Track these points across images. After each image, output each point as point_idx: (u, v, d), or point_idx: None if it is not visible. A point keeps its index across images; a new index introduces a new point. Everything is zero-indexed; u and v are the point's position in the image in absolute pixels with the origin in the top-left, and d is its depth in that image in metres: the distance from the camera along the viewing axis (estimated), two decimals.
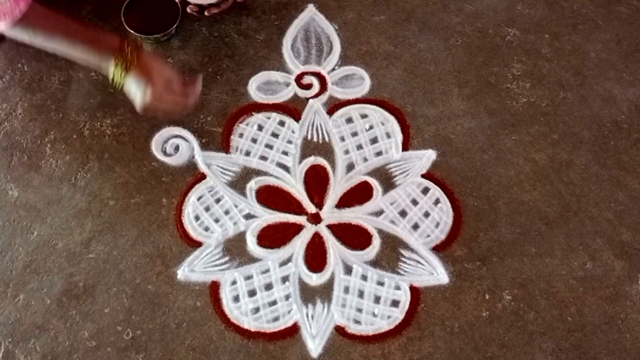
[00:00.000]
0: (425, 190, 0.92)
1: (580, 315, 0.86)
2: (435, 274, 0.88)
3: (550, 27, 1.05)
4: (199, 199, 0.90)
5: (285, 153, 0.94)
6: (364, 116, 0.97)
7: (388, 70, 1.00)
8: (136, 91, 0.80)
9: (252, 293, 0.86)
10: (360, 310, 0.86)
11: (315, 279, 0.87)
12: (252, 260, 0.88)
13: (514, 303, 0.86)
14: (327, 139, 0.95)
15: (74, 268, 0.86)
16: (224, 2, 0.93)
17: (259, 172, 0.93)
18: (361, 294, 0.86)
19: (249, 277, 0.87)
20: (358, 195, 0.92)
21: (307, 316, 0.85)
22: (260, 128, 0.95)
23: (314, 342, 0.83)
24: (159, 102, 0.81)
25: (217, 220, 0.89)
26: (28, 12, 0.75)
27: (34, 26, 0.77)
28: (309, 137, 0.95)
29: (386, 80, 0.99)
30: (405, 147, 0.95)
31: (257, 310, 0.85)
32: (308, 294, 0.86)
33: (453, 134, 0.96)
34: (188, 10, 0.93)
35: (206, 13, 0.93)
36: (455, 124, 0.97)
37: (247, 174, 0.92)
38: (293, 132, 0.95)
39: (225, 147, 0.94)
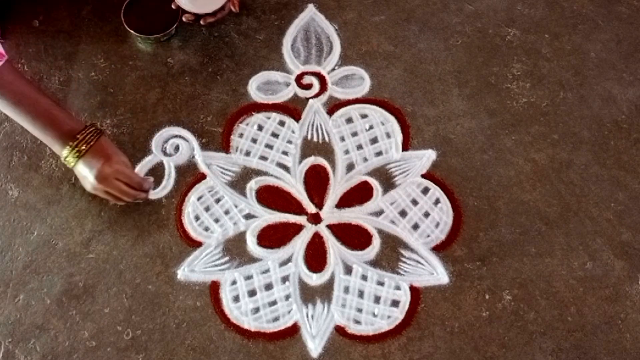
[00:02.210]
0: (425, 190, 0.92)
1: (580, 315, 0.86)
2: (435, 274, 0.88)
3: (550, 27, 1.05)
4: (199, 199, 0.90)
5: (285, 153, 0.94)
6: (364, 116, 0.97)
7: (388, 70, 1.00)
8: (88, 170, 0.81)
9: (252, 293, 0.86)
10: (360, 310, 0.86)
11: (315, 279, 0.87)
12: (252, 260, 0.88)
13: (514, 303, 0.86)
14: (327, 139, 0.95)
15: (74, 268, 0.86)
16: (220, 11, 0.92)
17: (259, 172, 0.93)
18: (361, 294, 0.86)
19: (249, 277, 0.87)
20: (358, 195, 0.92)
21: (307, 316, 0.85)
22: (260, 128, 0.95)
23: (314, 342, 0.83)
24: (113, 181, 0.81)
25: (217, 220, 0.89)
26: (1, 72, 0.75)
27: (2, 88, 0.77)
28: (309, 137, 0.95)
29: (386, 80, 0.99)
30: (405, 147, 0.95)
31: (257, 310, 0.85)
32: (308, 294, 0.86)
33: (453, 134, 0.96)
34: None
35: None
36: (455, 124, 0.97)
37: (247, 174, 0.92)
38: (293, 132, 0.95)
39: (225, 147, 0.94)
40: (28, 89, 0.80)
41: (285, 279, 0.87)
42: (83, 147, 0.80)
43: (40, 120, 0.79)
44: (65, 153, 0.80)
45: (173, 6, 0.92)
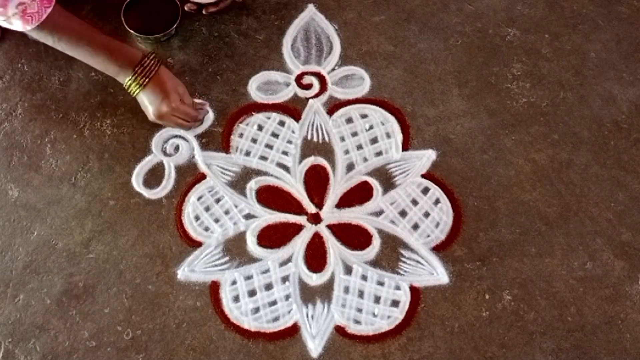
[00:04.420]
0: (425, 190, 0.92)
1: (580, 315, 0.86)
2: (435, 274, 0.88)
3: (550, 27, 1.05)
4: (199, 199, 0.90)
5: (285, 153, 0.94)
6: (364, 116, 0.97)
7: (388, 70, 1.00)
8: (148, 105, 0.86)
9: (252, 293, 0.86)
10: (360, 310, 0.86)
11: (315, 279, 0.87)
12: (252, 260, 0.88)
13: (514, 303, 0.86)
14: (327, 139, 0.95)
15: (74, 268, 0.86)
16: (223, 1, 0.93)
17: (259, 172, 0.93)
18: (361, 294, 0.86)
19: (249, 277, 0.87)
20: (358, 195, 0.92)
21: (307, 316, 0.85)
22: (260, 128, 0.95)
23: (314, 342, 0.83)
24: (170, 117, 0.88)
25: (217, 220, 0.89)
26: (54, 16, 0.77)
27: (59, 32, 0.79)
28: (309, 137, 0.95)
29: (386, 80, 0.99)
30: (405, 147, 0.95)
31: (257, 310, 0.85)
32: (308, 294, 0.86)
33: (453, 134, 0.96)
34: (186, 8, 0.93)
35: (204, 12, 0.93)
36: (455, 124, 0.97)
37: (247, 174, 0.92)
38: (293, 132, 0.95)
39: (225, 147, 0.94)
40: (83, 27, 0.82)
41: (285, 279, 0.87)
42: (143, 80, 0.84)
43: (101, 55, 0.82)
44: (127, 83, 0.84)
45: None
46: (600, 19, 1.06)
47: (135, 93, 0.85)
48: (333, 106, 0.97)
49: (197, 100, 0.94)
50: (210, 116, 0.95)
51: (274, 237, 0.89)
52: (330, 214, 0.91)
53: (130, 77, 0.83)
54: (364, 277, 0.87)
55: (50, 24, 0.77)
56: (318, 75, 0.99)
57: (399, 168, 0.94)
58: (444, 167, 0.94)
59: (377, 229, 0.90)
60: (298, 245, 0.89)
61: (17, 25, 0.75)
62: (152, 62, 0.84)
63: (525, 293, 0.87)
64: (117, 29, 0.98)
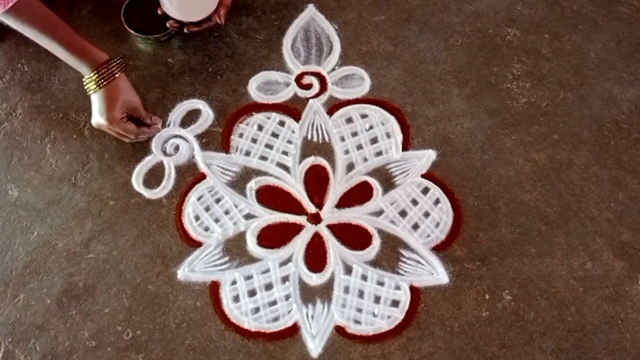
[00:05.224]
0: (425, 190, 0.92)
1: (580, 315, 0.86)
2: (435, 274, 0.88)
3: (550, 27, 1.05)
4: (199, 199, 0.90)
5: (285, 153, 0.94)
6: (364, 116, 0.97)
7: (388, 70, 1.00)
8: (94, 109, 0.86)
9: (252, 293, 0.86)
10: (360, 310, 0.86)
11: (315, 279, 0.87)
12: (252, 260, 0.88)
13: (514, 303, 0.86)
14: (327, 139, 0.95)
15: (74, 268, 0.86)
16: (206, 22, 0.92)
17: (259, 172, 0.93)
18: (361, 294, 0.86)
19: (249, 277, 0.87)
20: (358, 195, 0.92)
21: (307, 316, 0.85)
22: (260, 128, 0.95)
23: (314, 342, 0.83)
24: (107, 129, 0.88)
25: (217, 220, 0.89)
26: (23, 4, 0.78)
27: (26, 19, 0.80)
28: (309, 137, 0.95)
29: (386, 80, 0.99)
30: (405, 147, 0.95)
31: (257, 310, 0.85)
32: (308, 294, 0.86)
33: (453, 134, 0.96)
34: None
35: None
36: (455, 124, 0.97)
37: (247, 174, 0.92)
38: (293, 132, 0.95)
39: (225, 147, 0.94)
40: (51, 18, 0.82)
41: (285, 279, 0.87)
42: (101, 82, 0.85)
43: (63, 48, 0.83)
44: (87, 81, 0.86)
45: (159, 12, 0.92)
46: (600, 19, 1.06)
47: (90, 92, 0.86)
48: (333, 106, 0.97)
49: (156, 119, 0.92)
50: (210, 116, 0.95)
51: (274, 237, 0.89)
52: (330, 214, 0.91)
53: (91, 75, 0.84)
54: (364, 277, 0.87)
55: (18, 11, 0.78)
56: (318, 75, 0.99)
57: (399, 168, 0.94)
58: (444, 167, 0.94)
59: (377, 229, 0.90)
60: (298, 245, 0.89)
61: None
62: (117, 66, 0.85)
63: (525, 293, 0.87)
64: (117, 29, 0.98)
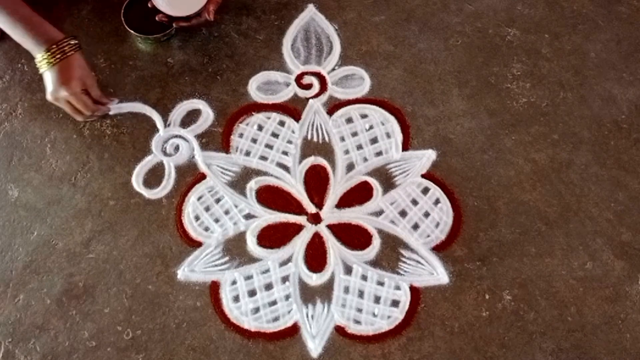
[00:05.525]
0: (425, 190, 0.92)
1: (580, 315, 0.86)
2: (435, 274, 0.88)
3: (550, 27, 1.05)
4: (199, 199, 0.90)
5: (285, 153, 0.94)
6: (364, 116, 0.97)
7: (388, 70, 1.00)
8: (49, 84, 0.85)
9: (252, 293, 0.86)
10: (360, 310, 0.86)
11: (315, 279, 0.87)
12: (252, 260, 0.88)
13: (514, 303, 0.86)
14: (327, 139, 0.95)
15: (74, 268, 0.86)
16: (196, 17, 0.92)
17: (259, 172, 0.93)
18: (361, 294, 0.86)
19: (249, 277, 0.87)
20: (358, 195, 0.92)
21: (307, 316, 0.85)
22: (260, 128, 0.95)
23: (314, 342, 0.83)
24: (65, 102, 0.86)
25: (217, 220, 0.89)
26: None
27: None
28: (309, 137, 0.95)
29: (386, 80, 0.99)
30: (405, 147, 0.95)
31: (257, 310, 0.85)
32: (308, 294, 0.86)
33: (453, 134, 0.96)
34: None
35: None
36: (455, 124, 0.97)
37: (247, 174, 0.92)
38: (293, 132, 0.95)
39: (225, 147, 0.94)
40: None
41: (285, 279, 0.87)
42: (54, 59, 0.83)
43: (21, 27, 0.83)
44: (38, 58, 0.84)
45: (149, 5, 0.92)
46: (600, 19, 1.06)
47: (43, 70, 0.85)
48: (333, 106, 0.97)
49: (110, 99, 0.93)
50: (210, 116, 0.95)
51: (274, 237, 0.89)
52: (330, 214, 0.91)
53: (43, 54, 0.83)
54: (364, 277, 0.87)
55: None
56: (318, 75, 0.99)
57: (399, 168, 0.94)
58: (444, 167, 0.94)
59: (377, 229, 0.90)
60: (298, 245, 0.89)
61: None
62: (69, 46, 0.84)
63: (525, 293, 0.87)
64: (117, 29, 0.98)
